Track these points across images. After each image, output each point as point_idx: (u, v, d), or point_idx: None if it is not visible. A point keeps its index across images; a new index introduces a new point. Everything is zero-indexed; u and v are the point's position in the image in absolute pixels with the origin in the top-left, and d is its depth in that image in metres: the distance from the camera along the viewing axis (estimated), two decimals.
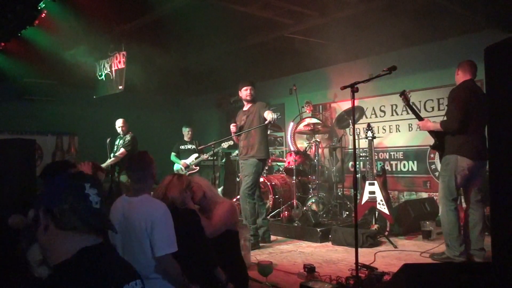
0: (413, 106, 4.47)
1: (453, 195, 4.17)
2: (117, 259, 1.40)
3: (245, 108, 5.57)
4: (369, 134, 5.56)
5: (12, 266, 2.70)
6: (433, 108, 6.58)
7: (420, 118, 4.48)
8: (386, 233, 5.35)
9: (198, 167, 7.90)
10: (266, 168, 6.96)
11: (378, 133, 6.82)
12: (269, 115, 5.03)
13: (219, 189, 8.20)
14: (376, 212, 5.53)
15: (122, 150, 6.74)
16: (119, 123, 6.99)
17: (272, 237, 5.63)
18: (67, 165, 2.85)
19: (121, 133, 6.97)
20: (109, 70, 7.02)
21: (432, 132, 4.41)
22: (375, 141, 5.75)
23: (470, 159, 4.08)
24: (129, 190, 2.77)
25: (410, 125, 6.83)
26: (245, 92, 5.46)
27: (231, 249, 3.30)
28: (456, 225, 4.16)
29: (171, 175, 3.09)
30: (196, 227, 2.87)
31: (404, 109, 6.78)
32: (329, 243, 5.29)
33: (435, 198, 6.21)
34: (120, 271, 1.32)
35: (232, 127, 5.47)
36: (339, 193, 6.70)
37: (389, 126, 7.06)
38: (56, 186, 1.38)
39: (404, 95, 4.51)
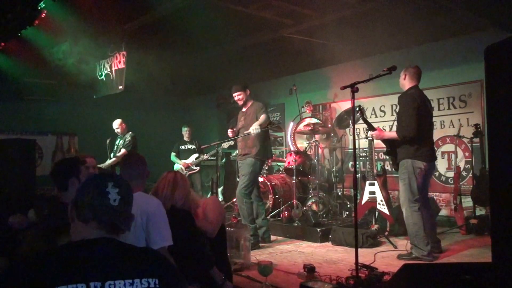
0: (367, 119, 4.80)
1: (415, 196, 4.35)
2: (104, 255, 1.38)
3: (243, 109, 5.57)
4: (370, 134, 5.55)
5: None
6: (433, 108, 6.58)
7: (373, 129, 4.71)
8: (386, 233, 5.34)
9: (198, 167, 7.90)
10: (266, 168, 6.96)
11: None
12: (252, 127, 5.09)
13: (219, 189, 8.20)
14: (376, 212, 5.53)
15: (123, 150, 6.74)
16: (115, 124, 6.99)
17: (272, 237, 5.63)
18: (77, 162, 2.87)
19: (119, 133, 6.98)
20: (109, 70, 7.01)
21: (385, 140, 4.64)
22: (375, 141, 5.74)
23: (425, 162, 4.33)
24: None
25: None
26: (235, 99, 5.50)
27: (219, 243, 3.31)
28: (421, 225, 4.31)
29: (172, 172, 3.10)
30: (192, 227, 2.89)
31: None
32: (329, 243, 5.29)
33: (434, 198, 6.22)
34: (74, 270, 1.31)
35: (230, 133, 5.49)
36: (339, 193, 6.70)
37: (389, 126, 7.06)
38: (84, 183, 1.55)
39: (360, 111, 4.78)
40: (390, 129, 4.81)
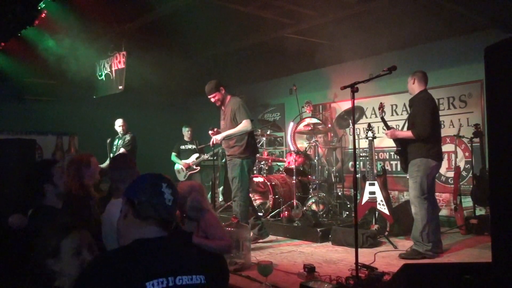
0: (384, 117, 5.04)
1: (424, 194, 4.50)
2: (170, 252, 1.51)
3: (222, 107, 5.42)
4: (370, 134, 5.55)
5: (12, 265, 2.70)
6: None
7: (388, 127, 4.88)
8: (386, 233, 5.34)
9: (199, 167, 7.91)
10: (266, 168, 6.95)
11: (378, 133, 6.82)
12: (215, 137, 5.17)
13: (219, 189, 8.20)
14: (376, 212, 5.52)
15: (122, 150, 6.74)
16: (119, 122, 6.98)
17: (272, 237, 5.63)
18: (47, 166, 2.84)
19: (121, 132, 6.97)
20: (109, 70, 7.02)
21: (396, 139, 4.81)
22: (375, 141, 5.74)
23: (436, 161, 4.56)
24: None
25: None
26: (211, 101, 5.35)
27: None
28: (429, 221, 4.45)
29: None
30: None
31: (404, 108, 6.79)
32: (329, 243, 5.29)
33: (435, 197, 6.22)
34: (155, 266, 1.44)
35: (210, 133, 5.35)
36: (339, 193, 6.69)
37: (389, 125, 7.06)
38: (139, 181, 1.63)
39: (382, 108, 5.05)
40: (388, 127, 4.90)
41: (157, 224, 1.54)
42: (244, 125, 5.08)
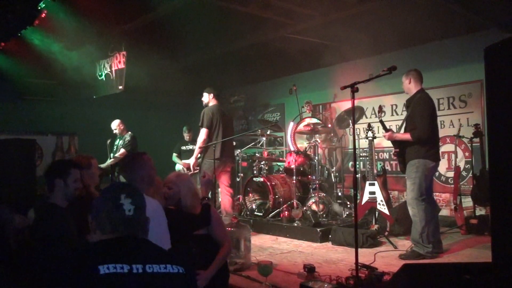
0: (382, 119, 5.05)
1: (423, 195, 4.50)
2: (141, 246, 1.56)
3: None
4: (370, 134, 5.55)
5: (11, 264, 2.70)
6: None
7: (386, 130, 4.86)
8: (386, 233, 5.34)
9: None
10: (266, 168, 6.94)
11: (378, 133, 6.82)
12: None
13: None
14: (376, 212, 5.52)
15: (122, 150, 6.74)
16: (114, 125, 6.99)
17: (272, 237, 5.63)
18: (69, 165, 2.88)
19: (118, 134, 6.97)
20: (109, 70, 7.02)
21: (394, 141, 4.80)
22: (375, 141, 5.74)
23: (434, 162, 4.55)
24: None
25: None
26: None
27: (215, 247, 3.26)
28: (428, 223, 4.43)
29: None
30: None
31: (404, 109, 6.79)
32: (329, 243, 5.29)
33: (434, 198, 6.21)
34: (116, 252, 1.47)
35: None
36: (339, 193, 6.69)
37: (389, 126, 7.05)
38: (102, 196, 1.65)
39: (380, 109, 5.13)
40: (386, 129, 4.88)
41: (121, 238, 1.56)
42: (200, 134, 5.73)
